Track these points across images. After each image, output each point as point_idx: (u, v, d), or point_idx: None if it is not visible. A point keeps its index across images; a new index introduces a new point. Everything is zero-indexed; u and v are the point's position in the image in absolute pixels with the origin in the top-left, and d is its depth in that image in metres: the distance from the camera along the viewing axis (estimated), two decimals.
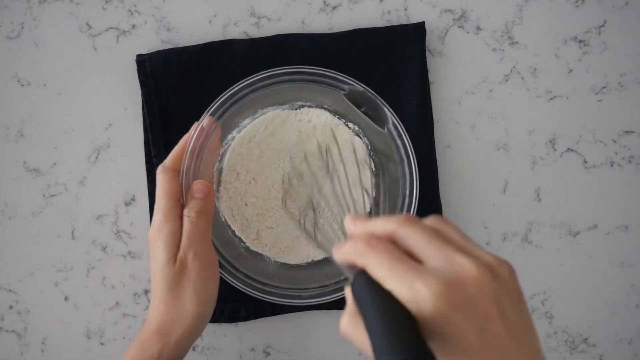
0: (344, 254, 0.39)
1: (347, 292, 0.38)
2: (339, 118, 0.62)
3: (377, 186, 0.63)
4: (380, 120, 0.59)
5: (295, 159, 0.61)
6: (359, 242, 0.38)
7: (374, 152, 0.62)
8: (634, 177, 0.66)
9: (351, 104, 0.59)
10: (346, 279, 0.58)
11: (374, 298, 0.35)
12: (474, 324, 0.35)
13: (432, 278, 0.35)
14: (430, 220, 0.39)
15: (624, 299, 0.66)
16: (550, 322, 0.66)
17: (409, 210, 0.59)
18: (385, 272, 0.36)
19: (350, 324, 0.37)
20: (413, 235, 0.37)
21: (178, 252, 0.52)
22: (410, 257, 0.37)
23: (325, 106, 0.62)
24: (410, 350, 0.33)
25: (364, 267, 0.37)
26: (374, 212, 0.63)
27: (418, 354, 0.33)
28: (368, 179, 0.62)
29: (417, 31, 0.64)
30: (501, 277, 0.36)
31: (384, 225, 0.39)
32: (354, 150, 0.61)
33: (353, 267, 0.38)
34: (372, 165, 0.62)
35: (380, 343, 0.34)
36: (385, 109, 0.58)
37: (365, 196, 0.61)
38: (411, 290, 0.35)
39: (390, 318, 0.34)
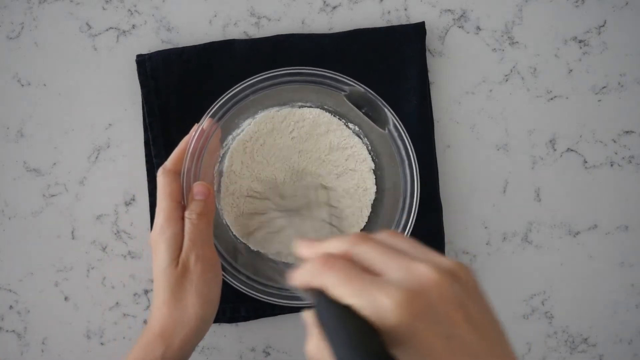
0: (301, 276, 0.38)
1: (308, 317, 0.38)
2: (339, 119, 0.62)
3: (377, 187, 0.63)
4: (380, 121, 0.59)
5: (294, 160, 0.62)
6: (315, 262, 0.37)
7: (374, 153, 0.62)
8: (634, 177, 0.66)
9: (352, 105, 0.59)
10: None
11: (333, 316, 0.35)
12: (440, 330, 0.34)
13: (392, 288, 0.34)
14: (382, 235, 0.39)
15: (624, 299, 0.66)
16: (550, 322, 0.66)
17: (409, 211, 0.58)
18: (345, 288, 0.35)
19: (316, 349, 0.37)
20: (368, 251, 0.37)
21: (180, 254, 0.52)
22: (369, 273, 0.36)
23: (326, 107, 0.62)
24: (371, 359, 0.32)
25: (322, 288, 0.36)
26: (373, 215, 0.63)
27: None
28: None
29: (417, 31, 0.64)
30: (461, 279, 0.36)
31: (337, 245, 0.38)
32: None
33: (311, 290, 0.38)
34: (373, 165, 0.62)
35: (342, 358, 0.33)
36: (385, 109, 0.58)
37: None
38: (373, 303, 0.34)
39: (350, 332, 0.33)
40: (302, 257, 0.40)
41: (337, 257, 0.37)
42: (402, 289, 0.34)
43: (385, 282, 0.35)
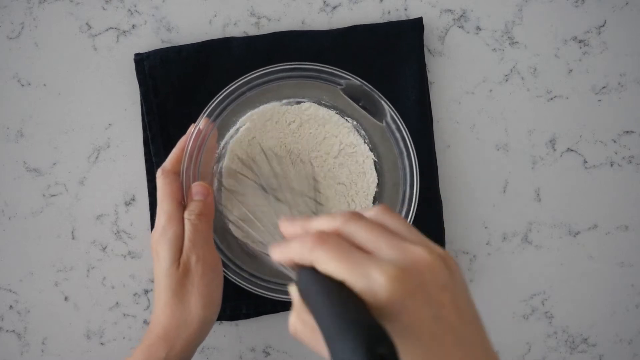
0: (288, 252, 0.38)
1: (293, 291, 0.38)
2: (336, 113, 0.62)
3: (377, 181, 0.63)
4: (378, 114, 0.59)
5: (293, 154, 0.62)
6: (308, 238, 0.37)
7: (373, 146, 0.62)
8: (634, 177, 0.66)
9: (348, 99, 0.59)
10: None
11: (323, 289, 0.35)
12: (429, 310, 0.35)
13: (387, 264, 0.35)
14: (375, 213, 0.39)
15: (624, 299, 0.66)
16: (550, 322, 0.66)
17: (410, 202, 0.59)
18: (338, 264, 0.35)
19: (299, 322, 0.37)
20: (360, 230, 0.37)
21: (181, 255, 0.52)
22: (360, 250, 0.37)
23: (323, 102, 0.62)
24: (360, 327, 0.32)
25: (313, 263, 0.36)
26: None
27: (369, 329, 0.32)
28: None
29: (415, 27, 0.64)
30: (451, 266, 0.37)
31: (328, 222, 0.38)
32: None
33: (296, 266, 0.38)
34: (372, 159, 0.62)
35: (330, 328, 0.33)
36: (382, 102, 0.58)
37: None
38: (366, 279, 0.34)
39: (339, 304, 0.34)
40: (288, 235, 0.40)
41: (329, 234, 0.37)
42: (396, 265, 0.35)
43: (380, 259, 0.35)
